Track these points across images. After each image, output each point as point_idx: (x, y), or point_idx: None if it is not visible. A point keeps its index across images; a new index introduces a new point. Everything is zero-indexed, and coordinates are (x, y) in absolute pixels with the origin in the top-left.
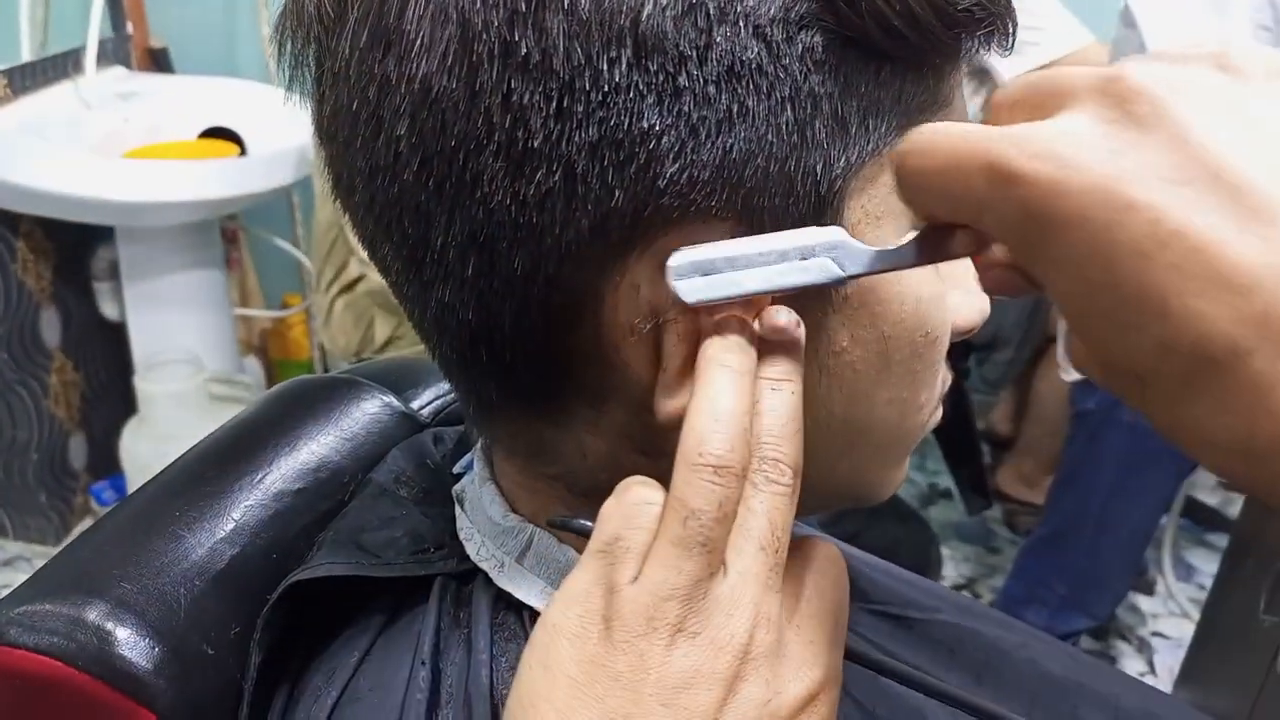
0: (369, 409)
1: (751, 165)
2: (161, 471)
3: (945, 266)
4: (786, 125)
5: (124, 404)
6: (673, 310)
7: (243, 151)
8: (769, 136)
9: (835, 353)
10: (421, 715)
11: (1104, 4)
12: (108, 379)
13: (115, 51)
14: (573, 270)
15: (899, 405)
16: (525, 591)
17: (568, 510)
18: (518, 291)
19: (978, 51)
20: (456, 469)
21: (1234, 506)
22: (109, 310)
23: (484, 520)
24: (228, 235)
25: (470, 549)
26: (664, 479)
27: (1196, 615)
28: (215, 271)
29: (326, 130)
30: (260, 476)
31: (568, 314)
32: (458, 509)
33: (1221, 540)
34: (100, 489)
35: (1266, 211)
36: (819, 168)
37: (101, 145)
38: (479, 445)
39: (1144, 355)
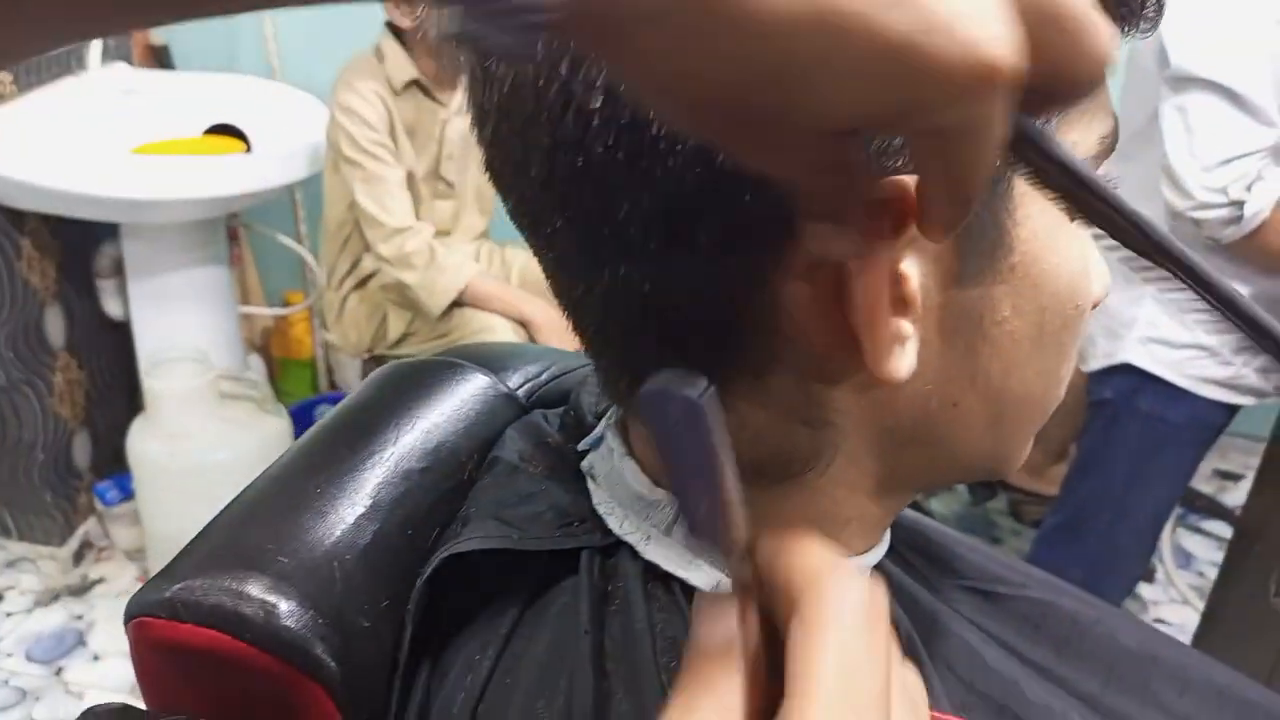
0: (474, 389)
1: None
2: (288, 451)
3: (1083, 240)
4: None
5: (128, 402)
6: (856, 258)
7: (248, 148)
8: None
9: (998, 322)
10: (589, 685)
11: None
12: (112, 377)
13: (117, 48)
14: (759, 236)
15: (1046, 377)
16: (675, 563)
17: None
18: (701, 262)
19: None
20: (581, 446)
21: (1228, 495)
22: (113, 308)
23: (626, 494)
24: (229, 232)
25: (612, 523)
26: (823, 451)
27: (1196, 601)
28: (220, 269)
29: (501, 108)
30: (387, 455)
31: (749, 282)
32: (591, 484)
33: (1217, 528)
34: (105, 488)
35: None
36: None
37: (107, 142)
38: (613, 421)
39: None
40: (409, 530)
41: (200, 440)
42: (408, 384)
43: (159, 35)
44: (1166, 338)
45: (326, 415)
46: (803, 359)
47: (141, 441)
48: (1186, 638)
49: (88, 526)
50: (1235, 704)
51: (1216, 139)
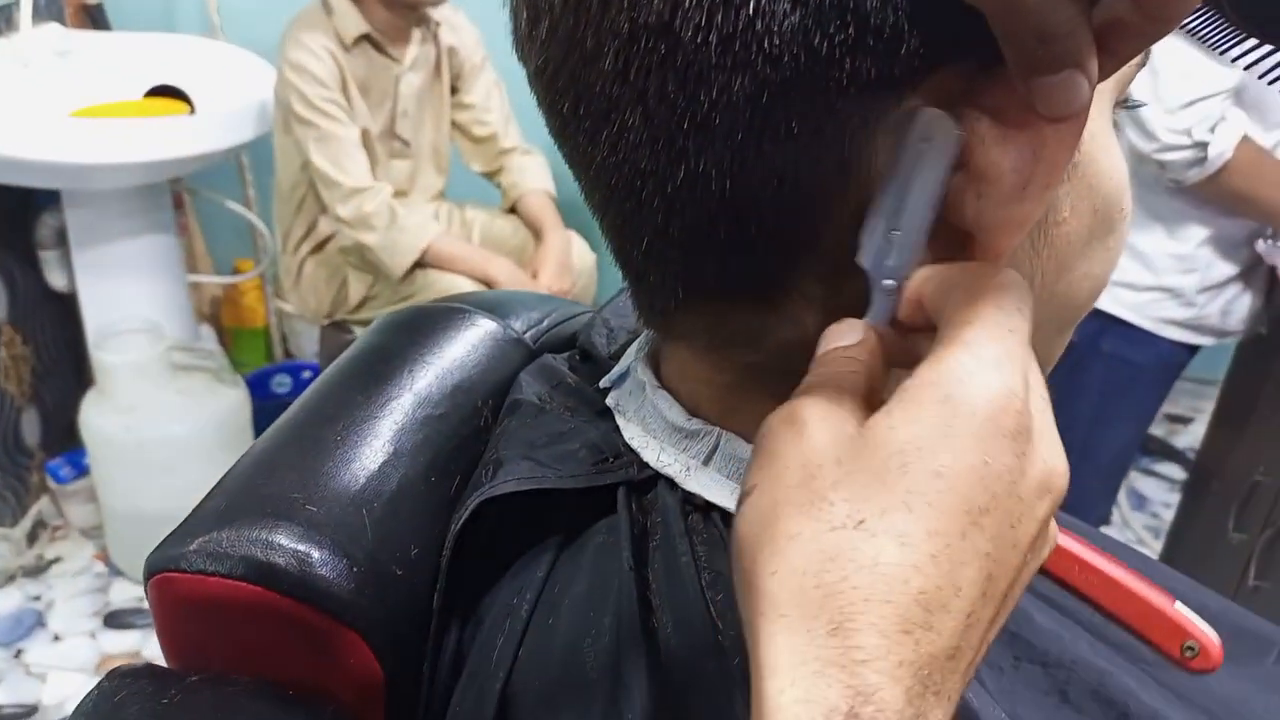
0: (483, 333)
1: None
2: (299, 399)
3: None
4: None
5: (77, 377)
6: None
7: (192, 110)
8: None
9: (1058, 222)
10: (636, 622)
11: None
12: (58, 352)
13: (48, 7)
14: (851, 123)
15: (1090, 281)
16: (716, 493)
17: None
18: (788, 155)
19: None
20: (604, 383)
21: (1178, 438)
22: (57, 280)
23: (662, 426)
24: (174, 199)
25: (649, 455)
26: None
27: (1153, 542)
28: (168, 236)
29: (569, 2)
30: (404, 400)
31: (837, 177)
32: (620, 419)
33: (1170, 470)
34: (57, 466)
35: None
36: None
37: (43, 106)
38: (644, 353)
39: None
40: (432, 477)
41: (155, 413)
42: (415, 329)
43: None
44: (1130, 281)
45: (331, 365)
46: None
47: (94, 416)
48: None
49: (40, 506)
50: (1228, 628)
51: (1180, 81)
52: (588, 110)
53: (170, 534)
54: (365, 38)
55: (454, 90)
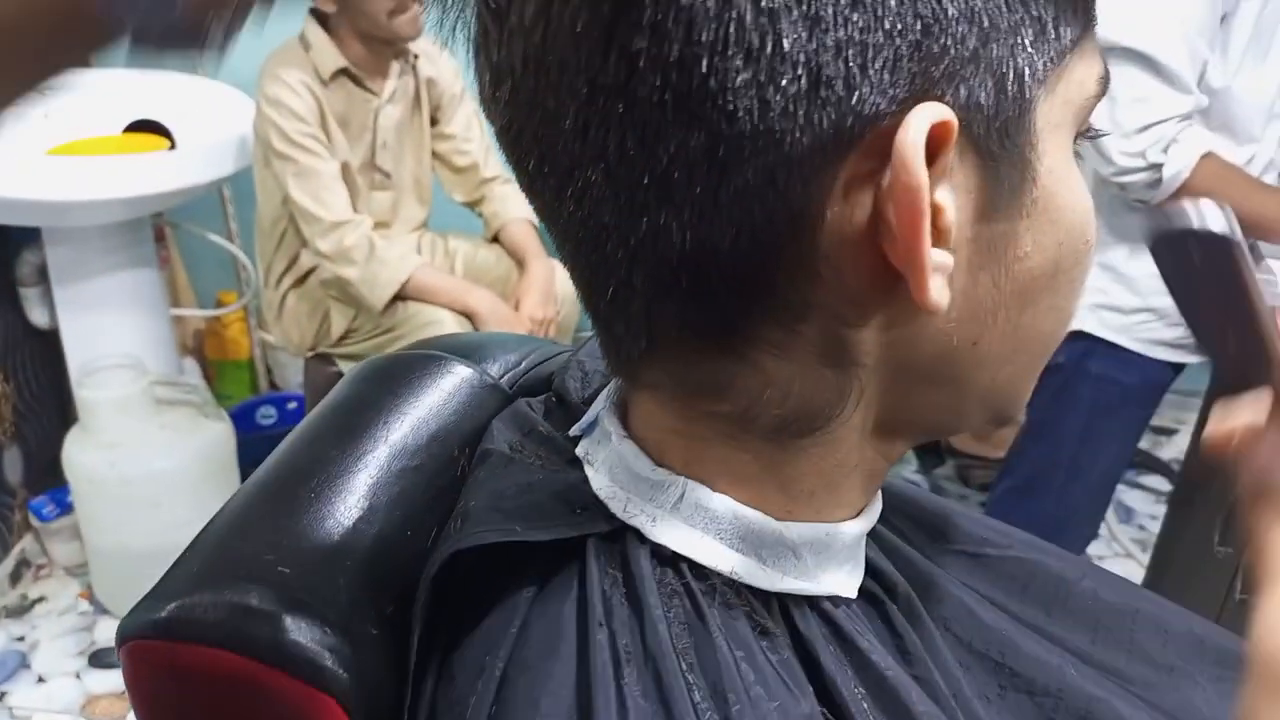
0: (458, 380)
1: (974, 64)
2: (274, 454)
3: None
4: (1007, 25)
5: (60, 414)
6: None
7: (172, 145)
8: (993, 36)
9: (1020, 258)
10: (609, 678)
11: None
12: (41, 389)
13: None
14: (803, 177)
15: (1057, 313)
16: (682, 543)
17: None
18: (744, 206)
19: None
20: (574, 432)
21: (1163, 450)
22: (38, 317)
23: (628, 477)
24: (155, 233)
25: (615, 507)
26: (847, 396)
27: (1139, 554)
28: (149, 270)
29: (527, 60)
30: (378, 453)
31: (790, 226)
32: (589, 470)
33: (1155, 482)
34: (40, 504)
35: None
36: (1025, 70)
37: (20, 143)
38: (610, 402)
39: None
40: (408, 531)
41: (139, 449)
42: (391, 378)
43: None
44: (1116, 304)
45: (306, 418)
46: (835, 302)
47: (78, 453)
48: None
49: (24, 544)
50: (1214, 652)
51: (1135, 106)
52: (552, 168)
53: (142, 598)
54: (343, 72)
55: (434, 121)
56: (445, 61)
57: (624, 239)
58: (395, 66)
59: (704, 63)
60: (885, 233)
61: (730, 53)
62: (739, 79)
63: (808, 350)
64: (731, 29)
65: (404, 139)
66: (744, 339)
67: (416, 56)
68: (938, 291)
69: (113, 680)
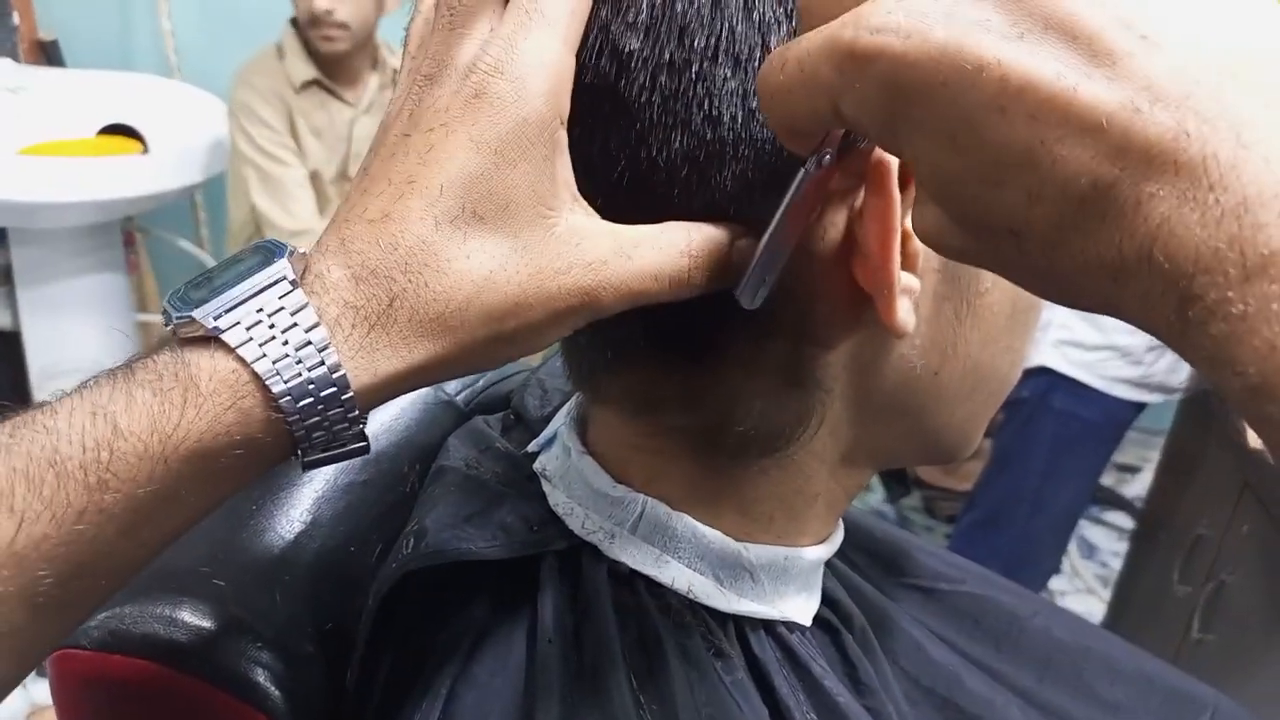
0: (412, 396)
1: None
2: None
3: None
4: None
5: None
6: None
7: (145, 149)
8: None
9: (981, 293)
10: (554, 693)
11: None
12: (0, 392)
13: (1, 43)
14: (779, 189)
15: (1012, 355)
16: (640, 561)
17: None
18: (720, 211)
19: None
20: (532, 447)
21: (1127, 487)
22: (1, 318)
23: (586, 493)
24: (124, 237)
25: (573, 524)
26: (809, 417)
27: (1101, 590)
28: (117, 275)
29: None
30: (324, 467)
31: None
32: (547, 486)
33: (1119, 519)
34: None
35: (1106, 53)
36: None
37: None
38: (570, 418)
39: (1016, 208)
40: (352, 547)
41: None
42: None
43: (48, 29)
44: (1079, 340)
45: None
46: (803, 321)
47: None
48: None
49: None
50: (1163, 691)
51: None
52: None
53: None
54: (315, 82)
55: None
56: None
57: None
58: (374, 79)
59: (693, 68)
60: (856, 253)
61: (719, 60)
62: (726, 87)
63: (773, 368)
64: (723, 36)
65: None
66: (715, 350)
67: (396, 70)
68: (905, 313)
69: None
